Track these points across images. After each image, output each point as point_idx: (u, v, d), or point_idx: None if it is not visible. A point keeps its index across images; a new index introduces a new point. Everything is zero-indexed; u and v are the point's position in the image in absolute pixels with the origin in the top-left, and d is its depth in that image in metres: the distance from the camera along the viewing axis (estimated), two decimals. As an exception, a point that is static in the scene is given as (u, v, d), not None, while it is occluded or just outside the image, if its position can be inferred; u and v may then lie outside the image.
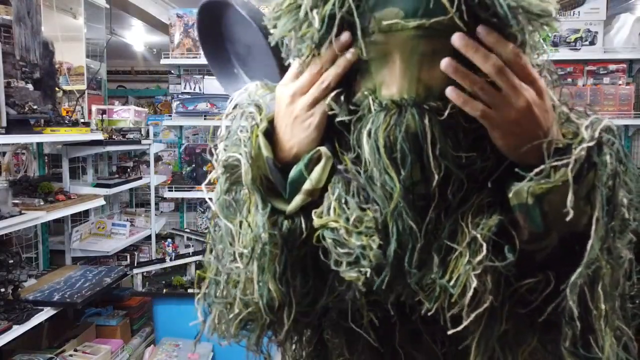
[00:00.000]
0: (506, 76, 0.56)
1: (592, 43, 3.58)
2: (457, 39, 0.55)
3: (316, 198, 0.65)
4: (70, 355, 2.62)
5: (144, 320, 3.38)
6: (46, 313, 2.40)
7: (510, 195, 0.60)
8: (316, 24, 0.56)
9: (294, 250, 0.67)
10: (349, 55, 0.60)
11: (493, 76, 0.56)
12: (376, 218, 0.61)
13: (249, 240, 0.66)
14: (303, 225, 0.66)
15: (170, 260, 3.05)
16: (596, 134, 0.59)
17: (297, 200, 0.65)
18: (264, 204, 0.66)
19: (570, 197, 0.56)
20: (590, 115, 0.63)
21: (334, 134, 0.66)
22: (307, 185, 0.64)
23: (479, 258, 0.59)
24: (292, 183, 0.65)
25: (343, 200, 0.63)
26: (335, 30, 0.56)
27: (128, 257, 3.70)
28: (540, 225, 0.60)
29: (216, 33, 0.89)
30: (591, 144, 0.58)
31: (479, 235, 0.60)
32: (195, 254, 3.11)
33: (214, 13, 0.85)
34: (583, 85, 3.67)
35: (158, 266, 3.07)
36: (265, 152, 0.66)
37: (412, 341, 0.76)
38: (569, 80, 3.72)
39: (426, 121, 0.58)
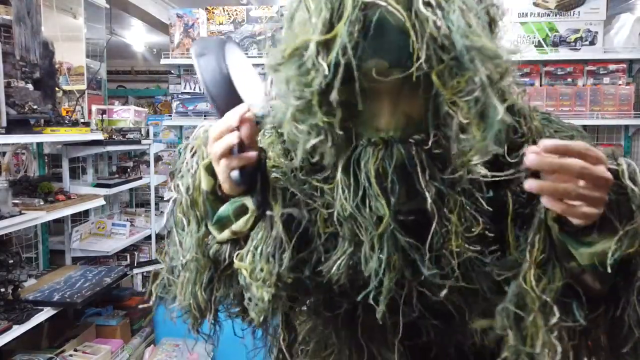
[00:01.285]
0: (592, 174, 0.58)
1: (592, 43, 3.58)
2: (532, 160, 0.58)
3: (241, 238, 0.74)
4: (70, 355, 2.62)
5: (144, 320, 3.38)
6: (46, 313, 2.40)
7: (581, 257, 0.62)
8: (325, 70, 0.58)
9: (219, 269, 0.78)
10: (244, 129, 0.66)
11: (582, 179, 0.58)
12: (272, 272, 0.70)
13: (187, 254, 0.78)
14: (227, 254, 0.76)
15: (170, 260, 3.05)
16: None
17: (224, 235, 0.74)
18: (197, 227, 0.76)
19: None
20: (619, 160, 0.65)
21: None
22: (233, 227, 0.72)
23: (553, 321, 0.62)
24: (220, 219, 0.73)
25: (258, 250, 0.71)
26: (340, 76, 0.58)
27: (128, 257, 3.70)
28: (611, 281, 0.64)
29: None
30: None
31: (549, 299, 0.63)
32: (195, 254, 3.10)
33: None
34: (583, 85, 3.67)
35: (158, 266, 3.06)
36: (204, 184, 0.73)
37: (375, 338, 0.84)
38: (569, 80, 3.72)
39: (414, 152, 0.64)
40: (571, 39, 3.58)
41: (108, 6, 4.00)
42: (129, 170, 3.69)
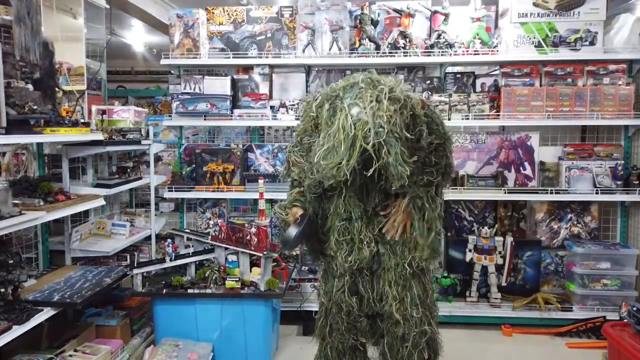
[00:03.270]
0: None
1: (592, 43, 3.58)
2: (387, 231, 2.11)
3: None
4: (70, 356, 2.62)
5: (144, 320, 3.39)
6: (46, 313, 2.40)
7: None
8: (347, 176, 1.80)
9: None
10: None
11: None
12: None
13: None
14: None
15: (170, 260, 3.05)
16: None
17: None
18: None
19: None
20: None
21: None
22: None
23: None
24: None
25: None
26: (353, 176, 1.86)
27: (128, 257, 3.70)
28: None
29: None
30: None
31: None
32: (195, 254, 3.11)
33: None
34: (583, 86, 3.67)
35: (158, 266, 3.07)
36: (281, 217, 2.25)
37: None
38: (569, 80, 3.72)
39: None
40: (571, 39, 3.58)
41: (108, 6, 4.00)
42: (129, 170, 3.69)
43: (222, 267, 3.05)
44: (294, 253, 3.81)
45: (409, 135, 1.75)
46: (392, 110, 1.69)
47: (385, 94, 1.72)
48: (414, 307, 2.13)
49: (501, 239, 3.63)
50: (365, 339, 2.27)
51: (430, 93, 3.75)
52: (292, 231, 2.03)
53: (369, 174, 1.77)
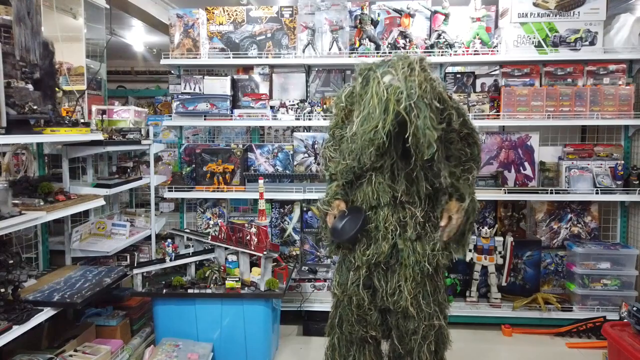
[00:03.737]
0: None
1: (592, 43, 3.58)
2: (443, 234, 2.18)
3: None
4: (70, 356, 2.62)
5: (144, 320, 3.38)
6: (46, 313, 2.40)
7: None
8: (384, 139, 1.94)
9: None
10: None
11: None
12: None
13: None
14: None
15: (170, 260, 3.05)
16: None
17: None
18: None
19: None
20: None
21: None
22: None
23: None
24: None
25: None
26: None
27: (128, 257, 3.70)
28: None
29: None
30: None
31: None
32: (195, 254, 3.11)
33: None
34: (583, 86, 3.67)
35: (158, 266, 3.07)
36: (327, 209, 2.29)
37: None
38: (569, 80, 3.72)
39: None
40: (571, 39, 3.58)
41: (108, 6, 4.00)
42: (129, 170, 3.69)
43: (222, 267, 3.05)
44: (294, 253, 3.81)
45: (437, 104, 1.86)
46: (422, 77, 1.82)
47: (416, 62, 1.85)
48: (427, 302, 2.20)
49: (501, 239, 3.63)
50: (376, 332, 2.31)
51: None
52: (344, 225, 2.12)
53: (402, 146, 1.98)
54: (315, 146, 3.80)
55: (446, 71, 3.90)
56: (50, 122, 2.53)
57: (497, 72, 3.87)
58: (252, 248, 3.02)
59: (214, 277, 2.98)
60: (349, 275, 2.26)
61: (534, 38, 3.62)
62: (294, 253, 3.84)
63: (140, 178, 3.75)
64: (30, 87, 2.40)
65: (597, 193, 3.58)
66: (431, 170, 2.07)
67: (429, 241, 2.16)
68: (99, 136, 2.95)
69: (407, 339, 2.25)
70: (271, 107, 3.77)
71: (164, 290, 2.95)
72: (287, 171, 3.84)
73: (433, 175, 2.08)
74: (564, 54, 3.60)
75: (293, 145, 3.83)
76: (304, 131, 4.02)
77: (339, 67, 3.94)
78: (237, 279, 2.95)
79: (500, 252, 3.61)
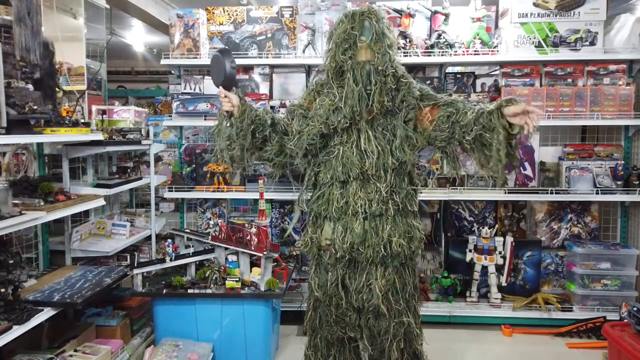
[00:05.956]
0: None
1: (592, 43, 3.58)
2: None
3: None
4: (70, 356, 2.62)
5: (144, 320, 3.38)
6: (46, 313, 2.40)
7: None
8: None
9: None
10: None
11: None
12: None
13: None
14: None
15: (170, 260, 3.05)
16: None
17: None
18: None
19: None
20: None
21: None
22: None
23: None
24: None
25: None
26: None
27: (128, 257, 3.70)
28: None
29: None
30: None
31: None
32: (195, 254, 3.11)
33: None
34: (583, 86, 3.67)
35: (158, 266, 3.07)
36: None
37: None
38: (569, 80, 3.72)
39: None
40: (571, 39, 3.58)
41: (108, 6, 4.00)
42: (129, 170, 3.69)
43: (222, 267, 3.05)
44: (294, 253, 3.81)
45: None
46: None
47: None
48: (395, 299, 2.22)
49: (501, 239, 3.63)
50: (354, 332, 2.33)
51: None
52: (216, 71, 2.31)
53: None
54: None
55: (446, 71, 3.90)
56: (50, 122, 2.53)
57: (497, 72, 3.87)
58: (252, 248, 3.02)
59: (214, 277, 2.98)
60: (327, 276, 2.30)
61: (534, 38, 3.63)
62: (294, 253, 3.84)
63: (141, 178, 3.75)
64: (30, 87, 2.40)
65: (597, 193, 3.58)
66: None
67: (386, 224, 2.18)
68: (99, 136, 2.95)
69: (378, 340, 2.27)
70: (271, 107, 3.77)
71: (164, 290, 2.95)
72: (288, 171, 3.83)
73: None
74: (564, 54, 3.60)
75: (293, 145, 3.83)
76: (304, 131, 4.01)
77: (339, 67, 3.93)
78: (237, 279, 2.95)
79: (500, 252, 3.61)
